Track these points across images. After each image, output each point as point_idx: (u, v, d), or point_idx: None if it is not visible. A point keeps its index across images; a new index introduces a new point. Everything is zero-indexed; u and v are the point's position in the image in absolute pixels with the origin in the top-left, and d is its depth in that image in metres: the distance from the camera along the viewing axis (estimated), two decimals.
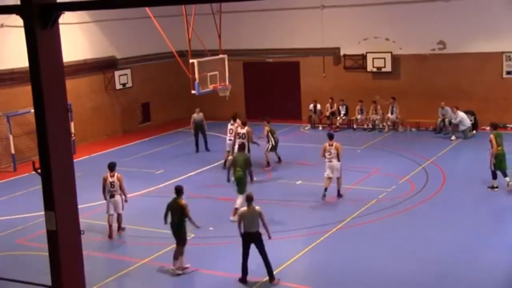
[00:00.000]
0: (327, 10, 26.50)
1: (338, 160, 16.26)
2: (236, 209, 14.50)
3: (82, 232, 7.92)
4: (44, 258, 8.80)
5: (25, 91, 16.90)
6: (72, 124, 22.49)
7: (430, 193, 16.52)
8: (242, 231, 11.73)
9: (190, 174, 19.66)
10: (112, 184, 14.41)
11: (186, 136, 25.80)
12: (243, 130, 18.71)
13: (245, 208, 11.83)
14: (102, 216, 15.82)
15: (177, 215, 12.46)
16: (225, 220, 15.21)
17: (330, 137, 16.65)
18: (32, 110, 8.05)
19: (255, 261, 12.74)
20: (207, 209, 16.32)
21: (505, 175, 16.49)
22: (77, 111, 24.09)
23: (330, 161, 16.23)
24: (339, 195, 16.50)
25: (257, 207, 11.79)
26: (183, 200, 12.55)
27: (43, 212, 7.65)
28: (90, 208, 16.34)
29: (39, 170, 7.60)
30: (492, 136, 16.50)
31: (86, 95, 25.38)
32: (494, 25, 23.68)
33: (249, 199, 11.85)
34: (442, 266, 12.04)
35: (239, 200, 14.73)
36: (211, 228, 14.63)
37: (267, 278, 11.80)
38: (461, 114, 22.92)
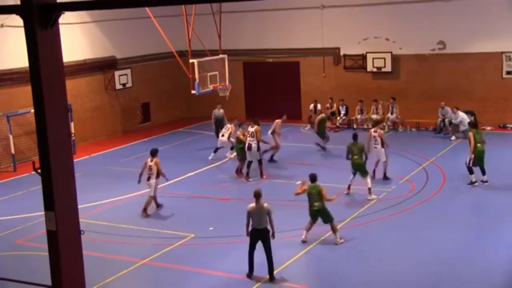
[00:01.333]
0: (327, 10, 26.50)
1: (382, 146, 17.71)
2: (370, 188, 16.26)
3: (82, 232, 7.91)
4: (44, 258, 8.80)
5: (25, 91, 16.95)
6: (72, 124, 22.49)
7: (430, 193, 16.51)
8: (251, 227, 11.82)
9: (189, 174, 19.65)
10: (150, 167, 15.79)
11: (186, 136, 25.82)
12: (252, 129, 18.67)
13: (253, 204, 11.87)
14: (102, 216, 15.87)
15: (319, 200, 13.41)
16: (224, 220, 15.23)
17: (374, 124, 19.33)
18: (32, 110, 8.04)
19: (256, 261, 12.75)
20: (206, 209, 16.33)
21: (483, 172, 16.94)
22: (77, 111, 24.10)
23: (375, 147, 17.74)
24: (386, 177, 17.86)
25: (265, 204, 11.86)
26: (320, 185, 13.63)
27: (43, 212, 7.64)
28: (90, 208, 16.35)
29: (39, 170, 7.59)
30: (471, 133, 17.02)
31: (86, 95, 25.39)
32: (494, 25, 23.68)
33: (257, 196, 11.92)
34: (442, 266, 12.04)
35: (368, 180, 16.39)
36: (211, 228, 14.65)
37: (267, 277, 11.80)
38: (461, 114, 22.92)
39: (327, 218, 13.52)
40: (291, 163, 20.08)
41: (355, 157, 16.59)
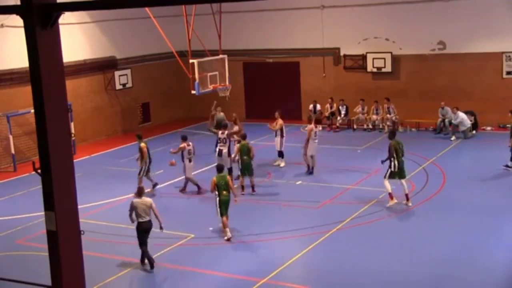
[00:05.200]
0: (327, 10, 26.51)
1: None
2: (407, 195, 15.50)
3: (82, 232, 7.90)
4: (44, 258, 8.80)
5: (25, 91, 16.95)
6: (72, 124, 22.49)
7: (430, 193, 16.50)
8: (136, 222, 12.64)
9: None
10: (189, 151, 17.43)
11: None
12: (223, 135, 18.18)
13: (137, 199, 12.76)
14: (102, 216, 15.88)
15: (226, 189, 14.25)
16: None
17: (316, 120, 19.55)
18: (32, 110, 8.05)
19: (255, 261, 12.76)
20: (206, 209, 16.31)
21: None
22: (77, 111, 24.10)
23: (315, 142, 18.73)
24: (311, 171, 18.95)
25: (148, 199, 12.84)
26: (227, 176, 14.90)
27: (43, 212, 7.64)
28: (90, 208, 16.35)
29: (39, 170, 7.59)
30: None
31: (86, 95, 25.39)
32: (494, 25, 23.69)
33: (139, 193, 12.95)
34: (441, 267, 12.04)
35: (405, 184, 15.60)
36: (210, 229, 14.64)
37: (266, 278, 11.81)
38: (461, 115, 22.92)
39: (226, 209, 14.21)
40: (290, 163, 20.06)
41: (400, 155, 15.47)
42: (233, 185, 14.55)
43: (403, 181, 15.50)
